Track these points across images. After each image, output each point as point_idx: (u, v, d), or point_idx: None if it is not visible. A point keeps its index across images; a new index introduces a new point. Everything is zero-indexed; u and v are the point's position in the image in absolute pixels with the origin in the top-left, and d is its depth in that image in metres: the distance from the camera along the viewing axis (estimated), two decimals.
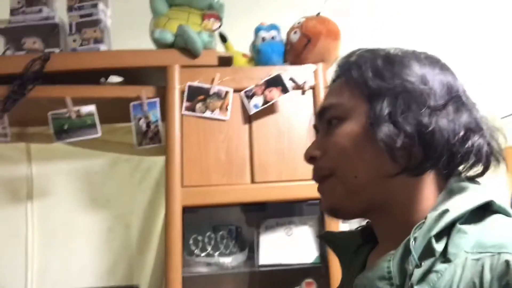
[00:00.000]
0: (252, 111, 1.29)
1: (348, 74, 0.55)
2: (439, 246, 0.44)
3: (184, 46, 1.31)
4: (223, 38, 1.45)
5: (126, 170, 1.68)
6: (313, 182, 1.32)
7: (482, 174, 0.52)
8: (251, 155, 1.30)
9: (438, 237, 0.45)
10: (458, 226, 0.45)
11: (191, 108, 1.30)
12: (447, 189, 0.50)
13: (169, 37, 1.31)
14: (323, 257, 1.31)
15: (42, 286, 1.52)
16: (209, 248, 1.36)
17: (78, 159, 1.65)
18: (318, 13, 1.37)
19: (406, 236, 0.46)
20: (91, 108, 1.29)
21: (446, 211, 0.45)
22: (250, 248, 1.40)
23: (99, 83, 1.42)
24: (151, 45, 1.36)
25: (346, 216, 0.56)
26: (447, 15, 1.89)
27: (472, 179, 0.52)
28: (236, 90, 1.32)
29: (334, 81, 0.60)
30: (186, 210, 1.25)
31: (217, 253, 1.36)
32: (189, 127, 1.30)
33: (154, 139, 1.33)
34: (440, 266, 0.44)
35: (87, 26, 1.32)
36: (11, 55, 1.30)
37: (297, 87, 1.33)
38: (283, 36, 1.41)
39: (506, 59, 2.05)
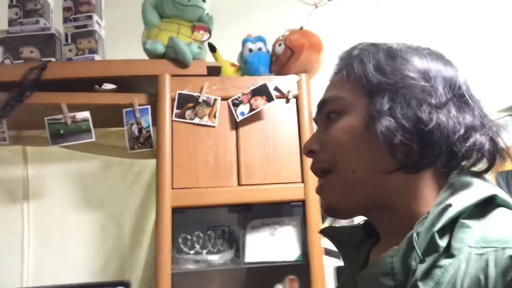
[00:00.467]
0: (239, 118, 1.35)
1: (349, 68, 0.54)
2: (442, 241, 0.43)
3: (175, 57, 1.36)
4: (212, 49, 1.51)
5: (119, 173, 1.73)
6: (296, 185, 1.40)
7: (487, 170, 0.50)
8: (237, 159, 1.36)
9: (442, 232, 0.43)
10: (462, 220, 0.44)
11: (181, 115, 1.36)
12: (449, 184, 0.49)
13: (160, 48, 1.37)
14: (305, 255, 1.35)
15: (37, 282, 1.56)
16: (197, 247, 1.41)
17: (72, 162, 1.69)
18: (301, 27, 1.45)
19: (407, 231, 0.45)
20: (86, 114, 1.34)
21: (449, 205, 0.44)
22: (237, 246, 1.45)
23: (94, 90, 1.48)
24: (143, 55, 1.41)
25: (345, 215, 0.55)
26: (445, 14, 1.93)
27: (476, 174, 0.50)
28: (224, 98, 1.38)
29: (335, 74, 0.59)
30: (176, 210, 1.30)
31: (205, 251, 1.41)
32: (179, 132, 1.35)
33: (145, 144, 1.39)
34: (444, 261, 0.43)
35: (82, 37, 1.38)
36: (9, 63, 1.36)
37: (282, 96, 1.39)
38: (269, 48, 1.48)
39: (505, 56, 2.11)
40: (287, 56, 1.40)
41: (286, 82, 1.41)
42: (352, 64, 0.54)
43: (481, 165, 0.50)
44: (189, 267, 1.38)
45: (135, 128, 1.39)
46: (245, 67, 1.45)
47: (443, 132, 0.47)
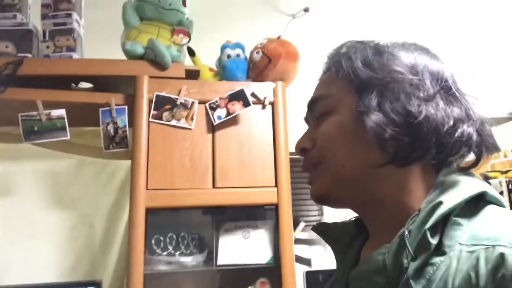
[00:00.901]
0: (216, 122, 1.38)
1: (337, 65, 0.54)
2: (434, 239, 0.43)
3: (154, 59, 1.38)
4: (191, 52, 1.52)
5: (92, 172, 1.72)
6: (270, 189, 1.44)
7: (475, 164, 0.51)
8: (213, 162, 1.37)
9: (433, 229, 0.43)
10: (453, 218, 0.45)
11: (158, 117, 1.37)
12: (439, 181, 0.49)
13: (139, 49, 1.38)
14: (276, 258, 1.38)
15: (4, 282, 1.52)
16: (170, 248, 1.41)
17: (44, 160, 1.67)
18: (279, 36, 1.49)
19: (398, 228, 0.45)
20: (61, 112, 1.33)
21: (440, 203, 0.44)
22: (209, 249, 1.46)
23: (70, 89, 1.47)
24: (121, 56, 1.41)
25: (335, 204, 0.55)
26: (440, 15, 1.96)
27: (465, 170, 0.51)
28: (201, 102, 1.40)
29: (324, 73, 0.59)
30: (150, 211, 1.30)
31: (177, 252, 1.42)
32: (155, 134, 1.36)
33: (121, 144, 1.38)
34: (435, 259, 0.43)
35: (60, 34, 1.37)
36: None
37: (258, 102, 1.43)
38: (247, 55, 1.51)
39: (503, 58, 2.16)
40: (265, 64, 1.44)
41: (263, 89, 1.44)
42: (340, 62, 0.54)
43: (469, 159, 0.51)
44: (161, 268, 1.38)
45: (111, 128, 1.38)
46: (223, 72, 1.48)
47: (432, 124, 0.47)
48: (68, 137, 1.33)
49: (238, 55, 1.49)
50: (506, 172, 2.49)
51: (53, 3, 1.39)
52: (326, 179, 0.53)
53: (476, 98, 0.52)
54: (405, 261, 0.43)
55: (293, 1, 1.80)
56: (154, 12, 1.44)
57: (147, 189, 1.31)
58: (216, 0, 1.79)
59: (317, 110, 0.56)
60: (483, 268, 0.40)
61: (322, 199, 0.55)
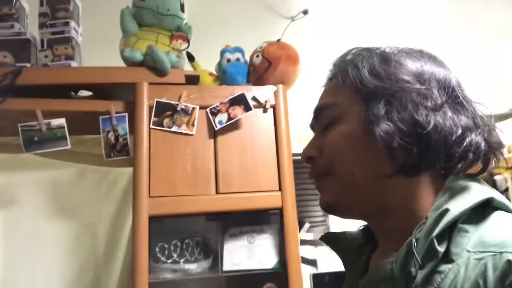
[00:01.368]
0: (217, 127, 1.37)
1: (344, 73, 0.54)
2: (441, 247, 0.43)
3: (153, 65, 1.37)
4: (191, 58, 1.52)
5: (93, 181, 1.70)
6: (273, 193, 1.42)
7: (482, 171, 0.51)
8: (215, 168, 1.36)
9: (440, 237, 0.43)
10: (460, 225, 0.45)
11: (159, 123, 1.36)
12: (446, 188, 0.49)
13: (138, 56, 1.37)
14: (283, 262, 1.37)
15: None
16: (174, 255, 1.40)
17: (45, 169, 1.65)
18: (279, 39, 1.48)
19: (406, 236, 0.45)
20: (61, 121, 1.32)
21: (446, 210, 0.44)
22: (214, 255, 1.45)
23: (69, 97, 1.46)
24: (120, 63, 1.40)
25: (344, 214, 0.55)
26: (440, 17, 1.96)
27: (471, 177, 0.51)
28: (202, 107, 1.39)
29: (330, 80, 0.59)
30: (153, 219, 1.29)
31: (182, 260, 1.40)
32: (156, 140, 1.35)
33: (122, 151, 1.37)
34: (443, 267, 0.43)
35: (58, 43, 1.36)
36: None
37: (259, 105, 1.42)
38: (247, 58, 1.51)
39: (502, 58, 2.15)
40: (265, 67, 1.43)
41: (264, 92, 1.43)
42: (346, 70, 0.54)
43: (476, 166, 0.51)
44: (166, 276, 1.37)
45: (111, 136, 1.38)
46: (223, 76, 1.47)
47: (441, 134, 0.47)
48: (69, 146, 1.32)
49: (237, 59, 1.48)
50: (510, 168, 2.47)
51: (51, 11, 1.38)
52: (335, 189, 0.54)
53: (483, 104, 0.52)
54: (413, 269, 0.43)
55: (292, 4, 1.80)
56: (152, 18, 1.43)
57: (149, 196, 1.30)
58: (214, 4, 1.78)
59: (323, 118, 0.56)
60: (491, 276, 0.40)
61: (331, 209, 0.55)
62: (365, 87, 0.51)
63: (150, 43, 1.39)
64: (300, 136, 1.40)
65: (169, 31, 1.45)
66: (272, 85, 1.44)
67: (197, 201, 1.33)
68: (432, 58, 0.54)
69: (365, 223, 0.60)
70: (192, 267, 1.40)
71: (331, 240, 0.64)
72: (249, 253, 1.42)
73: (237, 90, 1.41)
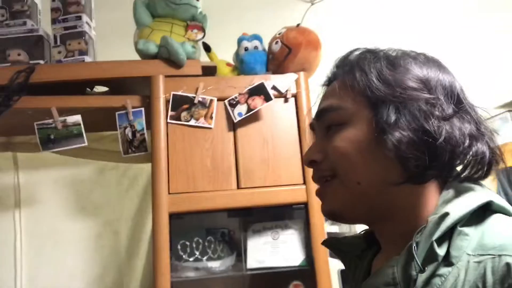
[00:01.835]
0: (237, 119, 1.32)
1: (350, 77, 0.53)
2: (441, 250, 0.44)
3: (168, 57, 1.33)
4: (207, 48, 1.47)
5: (113, 178, 1.69)
6: (298, 187, 1.35)
7: (485, 176, 0.51)
8: (236, 162, 1.32)
9: (440, 240, 0.44)
10: (459, 228, 0.45)
11: (176, 117, 1.32)
12: (446, 192, 0.50)
13: (152, 48, 1.33)
14: (309, 259, 1.32)
15: None
16: (197, 253, 1.37)
17: (65, 167, 1.65)
18: (298, 24, 1.41)
19: (409, 241, 0.46)
20: (77, 118, 1.30)
21: (446, 214, 0.45)
22: (237, 252, 1.41)
23: (85, 93, 1.43)
24: (135, 56, 1.37)
25: (347, 220, 0.55)
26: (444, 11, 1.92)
27: (472, 180, 0.51)
28: (220, 99, 1.34)
29: (331, 80, 0.58)
30: (173, 216, 1.26)
31: (205, 257, 1.37)
32: (174, 135, 1.31)
33: (140, 147, 1.34)
34: (443, 270, 0.44)
35: (71, 38, 1.34)
36: None
37: (280, 95, 1.36)
38: (265, 46, 1.44)
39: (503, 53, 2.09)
40: (284, 54, 1.37)
41: (284, 81, 1.37)
42: (353, 73, 0.53)
43: (479, 172, 0.51)
44: (189, 274, 1.34)
45: (128, 132, 1.34)
46: (241, 66, 1.41)
47: (451, 144, 0.47)
48: (86, 144, 1.30)
49: (256, 47, 1.42)
50: None
51: (62, 6, 1.35)
52: (339, 196, 0.52)
53: (485, 109, 0.53)
54: (414, 273, 0.44)
55: None
56: (166, 8, 1.38)
57: (169, 193, 1.27)
58: None
59: (327, 120, 0.55)
60: (490, 279, 0.40)
61: (335, 216, 0.54)
62: (373, 93, 0.50)
63: (165, 34, 1.34)
64: None
65: (184, 21, 1.41)
66: (292, 73, 1.38)
67: (218, 197, 1.29)
68: (436, 63, 0.54)
69: (366, 227, 0.61)
70: (215, 265, 1.36)
71: (333, 244, 0.64)
72: (274, 249, 1.38)
73: (256, 80, 1.36)
